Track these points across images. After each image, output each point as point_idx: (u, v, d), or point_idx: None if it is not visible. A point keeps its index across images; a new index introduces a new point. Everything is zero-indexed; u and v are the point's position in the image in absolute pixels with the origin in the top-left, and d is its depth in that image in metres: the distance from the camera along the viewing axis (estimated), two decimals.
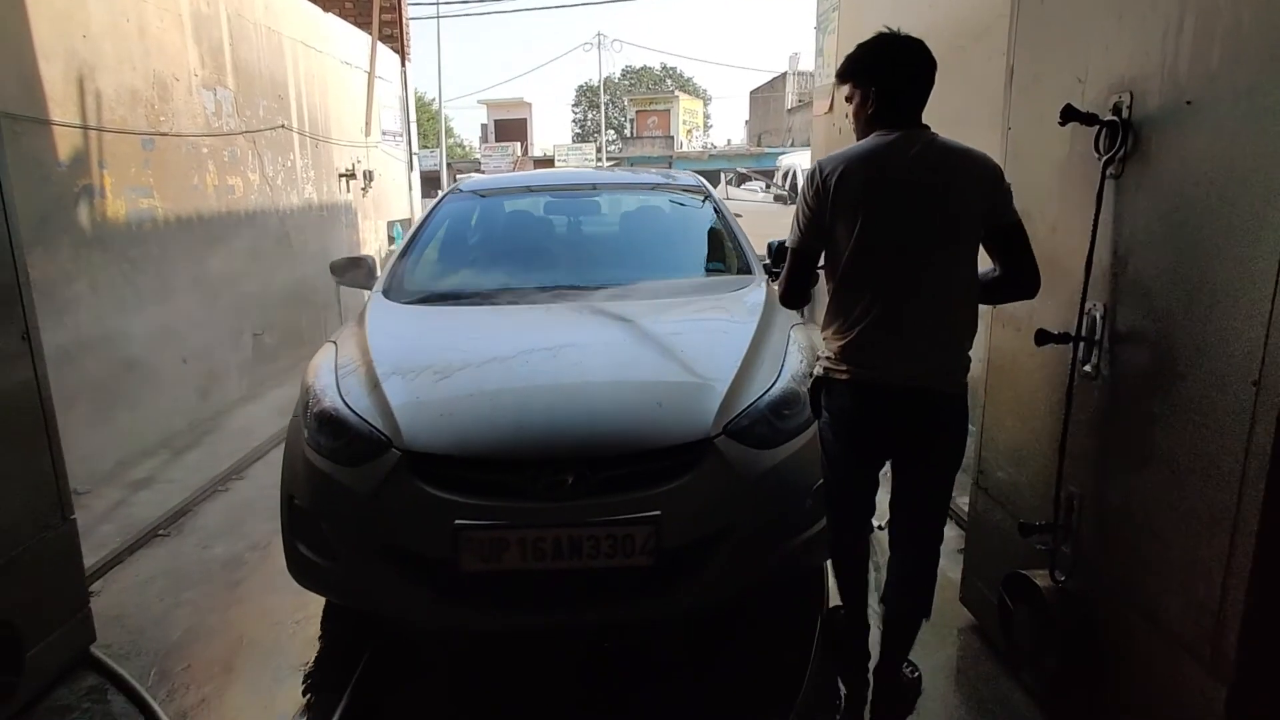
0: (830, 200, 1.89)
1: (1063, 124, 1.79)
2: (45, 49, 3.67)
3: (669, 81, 59.54)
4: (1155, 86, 1.64)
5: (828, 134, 7.45)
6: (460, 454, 2.16)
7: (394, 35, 9.44)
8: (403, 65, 9.68)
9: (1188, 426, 1.57)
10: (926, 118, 1.95)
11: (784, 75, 39.67)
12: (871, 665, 2.21)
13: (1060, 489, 1.94)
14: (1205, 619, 1.54)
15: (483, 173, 37.48)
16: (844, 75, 2.01)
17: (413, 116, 10.09)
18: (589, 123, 60.16)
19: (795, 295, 2.09)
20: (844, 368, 1.94)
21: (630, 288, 2.99)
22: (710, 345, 2.56)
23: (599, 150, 38.73)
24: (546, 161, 41.32)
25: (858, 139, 1.99)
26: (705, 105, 53.18)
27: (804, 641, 2.42)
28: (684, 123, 39.92)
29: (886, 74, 1.92)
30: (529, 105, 41.79)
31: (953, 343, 1.92)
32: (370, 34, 8.41)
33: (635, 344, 2.61)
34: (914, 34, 1.95)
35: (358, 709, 2.21)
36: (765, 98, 42.42)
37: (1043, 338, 1.90)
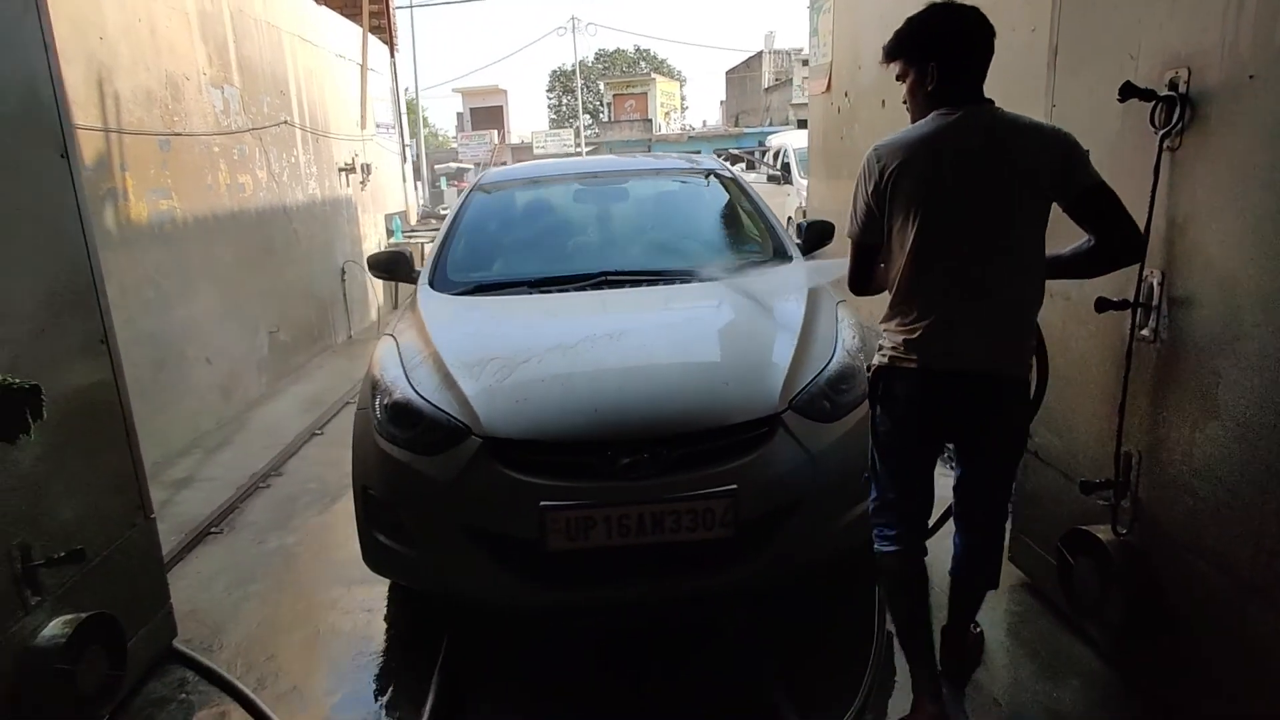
0: (889, 192, 1.84)
1: (1122, 100, 1.88)
2: (65, 51, 3.62)
3: (643, 64, 59.21)
4: (1215, 61, 1.73)
5: (825, 113, 7.53)
6: (540, 438, 2.23)
7: (381, 25, 9.36)
8: (391, 56, 9.62)
9: (1255, 383, 1.67)
10: None
11: (759, 54, 39.67)
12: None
13: (1120, 447, 2.05)
14: (1276, 563, 1.65)
15: (460, 161, 37.22)
16: (895, 52, 1.92)
17: (403, 108, 10.04)
18: (564, 108, 59.75)
19: (863, 284, 2.05)
20: (912, 356, 1.87)
21: (673, 271, 3.05)
22: (766, 324, 2.64)
23: (577, 135, 38.54)
24: (525, 148, 41.03)
25: (913, 119, 1.93)
26: (681, 87, 53.06)
27: (867, 611, 2.52)
28: (661, 105, 39.78)
29: (944, 46, 1.83)
30: (504, 92, 41.51)
31: (1023, 325, 1.92)
32: (360, 25, 8.35)
33: (693, 326, 2.69)
34: (912, 12, 1.88)
35: (446, 692, 2.28)
36: (741, 77, 42.36)
37: (1103, 305, 1.99)
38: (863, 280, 2.05)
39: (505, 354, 2.50)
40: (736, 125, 40.09)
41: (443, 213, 10.18)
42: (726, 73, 45.11)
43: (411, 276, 3.42)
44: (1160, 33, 1.89)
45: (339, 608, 2.80)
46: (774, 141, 12.56)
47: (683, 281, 2.98)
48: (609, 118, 40.19)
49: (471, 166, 36.51)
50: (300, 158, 6.46)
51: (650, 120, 38.07)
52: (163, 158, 4.42)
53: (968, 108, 1.84)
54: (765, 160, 12.66)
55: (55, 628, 1.93)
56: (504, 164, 41.07)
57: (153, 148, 4.32)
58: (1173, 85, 1.84)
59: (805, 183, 9.04)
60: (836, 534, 2.39)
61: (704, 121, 53.65)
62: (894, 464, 2.02)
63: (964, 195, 1.81)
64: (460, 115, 41.70)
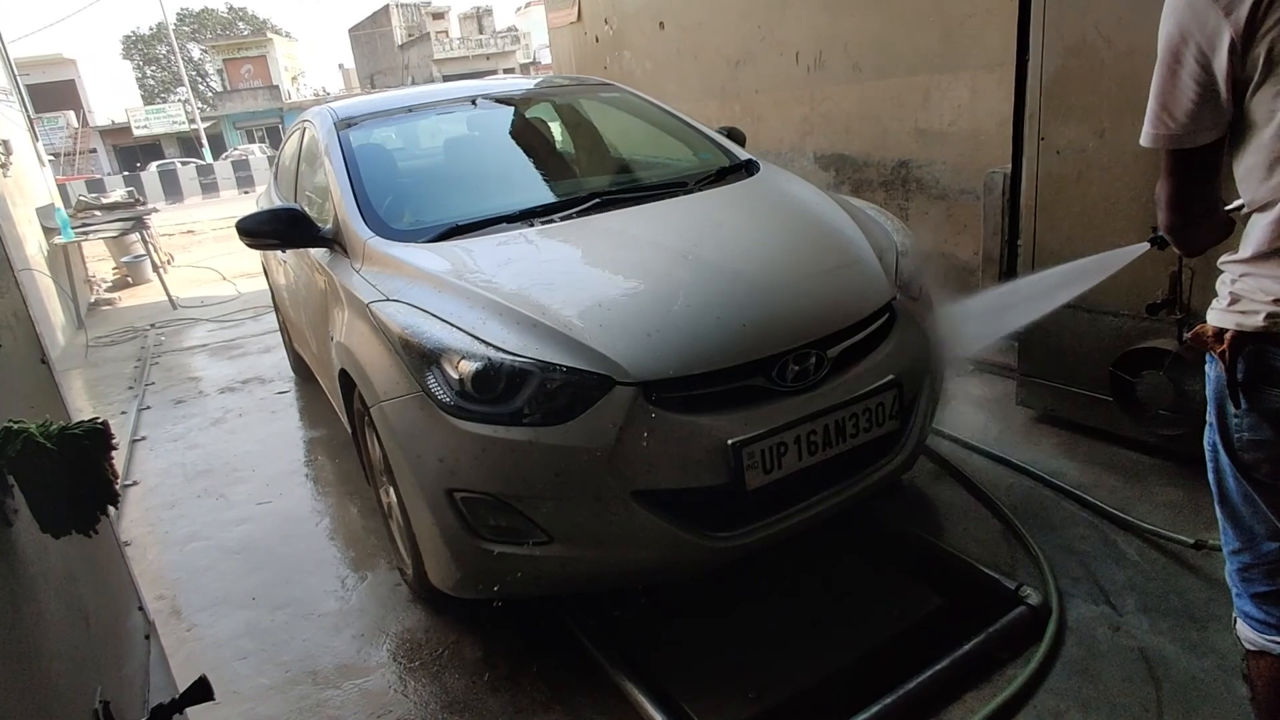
0: (1242, 36, 1.04)
1: None
2: None
3: (241, 24, 52.36)
4: None
5: (579, 44, 7.35)
6: (697, 370, 1.89)
7: None
8: None
9: None
10: None
11: (386, 8, 37.24)
12: None
13: (1180, 269, 2.33)
14: None
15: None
16: None
17: (16, 71, 7.63)
18: (153, 81, 50.80)
19: (1199, 215, 1.23)
20: None
21: (662, 186, 2.75)
22: (820, 218, 2.50)
23: (186, 106, 32.88)
24: (121, 130, 34.06)
25: None
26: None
27: None
28: (286, 69, 35.62)
29: None
30: (73, 62, 33.66)
31: None
32: None
33: (754, 228, 2.46)
34: None
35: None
36: (369, 35, 39.54)
37: None
38: (1198, 209, 1.23)
39: (583, 291, 2.07)
40: (374, 87, 37.54)
41: (105, 201, 8.02)
42: (350, 31, 41.75)
43: (317, 238, 2.66)
44: None
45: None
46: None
47: (685, 193, 2.70)
48: (224, 86, 34.87)
49: (50, 159, 29.30)
50: None
51: (276, 87, 33.88)
52: None
53: None
54: None
55: None
56: (94, 151, 33.77)
57: None
58: None
59: None
60: (939, 406, 2.42)
61: (324, 88, 49.61)
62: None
63: None
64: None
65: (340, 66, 49.71)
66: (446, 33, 35.06)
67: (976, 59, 3.71)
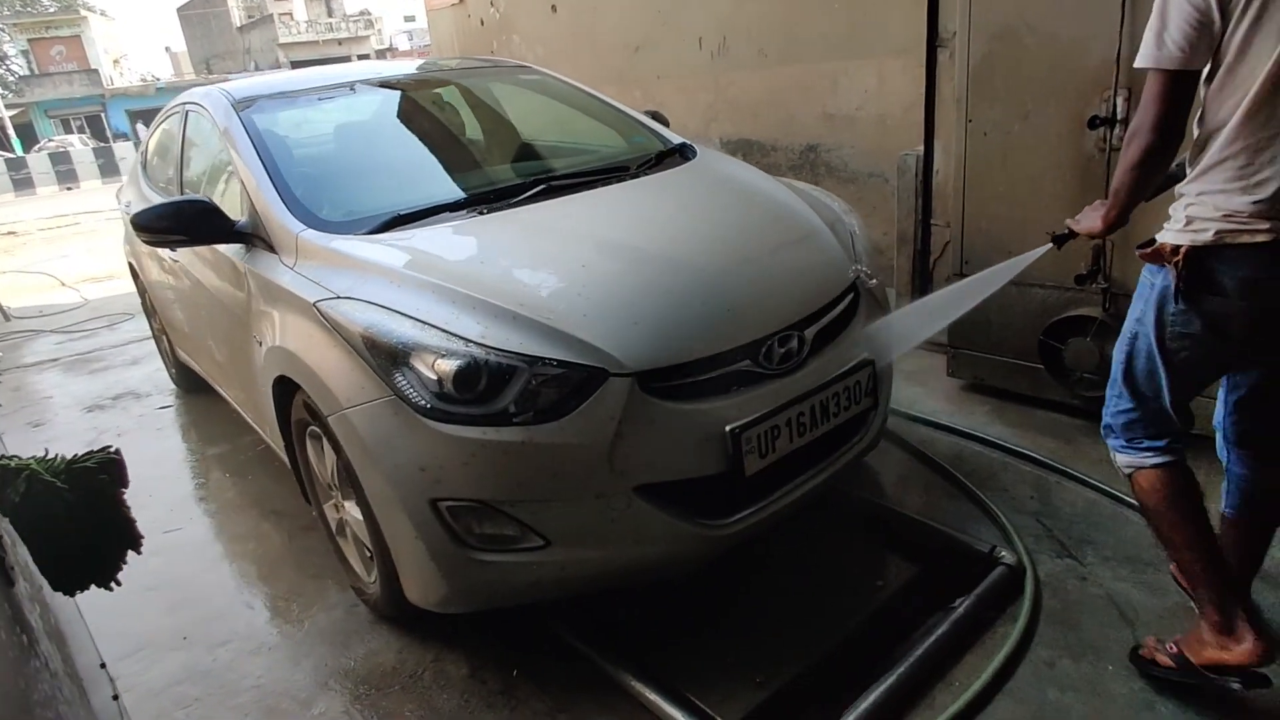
0: None
1: None
2: None
3: (46, 0, 46.82)
4: None
5: (462, 28, 7.08)
6: (691, 357, 1.84)
7: None
8: None
9: None
10: None
11: None
12: None
13: (1104, 243, 2.51)
14: None
15: None
16: None
17: None
18: None
19: (1175, 139, 1.40)
20: (1261, 225, 1.35)
21: (606, 170, 2.66)
22: (773, 199, 2.49)
23: None
24: None
25: None
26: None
27: None
28: (106, 51, 32.17)
29: None
30: None
31: None
32: None
33: (715, 210, 2.42)
34: None
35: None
36: (201, 15, 36.39)
37: (1095, 122, 2.38)
38: (1176, 133, 1.40)
39: (563, 279, 1.97)
40: (210, 72, 34.62)
41: None
42: (179, 10, 38.25)
43: (232, 233, 2.40)
44: None
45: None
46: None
47: (630, 178, 2.62)
48: (31, 69, 31.02)
49: None
50: None
51: (96, 71, 30.51)
52: None
53: None
54: None
55: None
56: None
57: None
58: None
59: None
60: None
61: (151, 73, 45.54)
62: (1185, 376, 1.56)
63: None
64: None
65: (168, 49, 45.48)
66: (291, 15, 32.82)
67: (883, 45, 3.86)
